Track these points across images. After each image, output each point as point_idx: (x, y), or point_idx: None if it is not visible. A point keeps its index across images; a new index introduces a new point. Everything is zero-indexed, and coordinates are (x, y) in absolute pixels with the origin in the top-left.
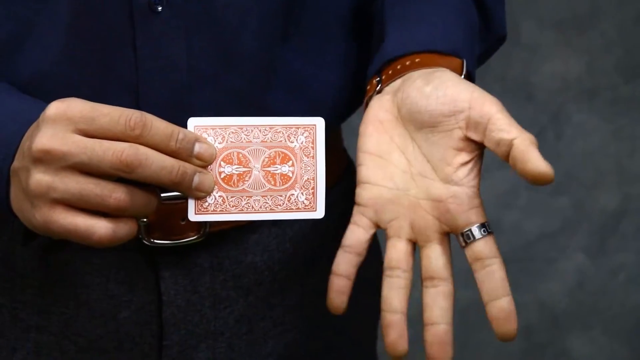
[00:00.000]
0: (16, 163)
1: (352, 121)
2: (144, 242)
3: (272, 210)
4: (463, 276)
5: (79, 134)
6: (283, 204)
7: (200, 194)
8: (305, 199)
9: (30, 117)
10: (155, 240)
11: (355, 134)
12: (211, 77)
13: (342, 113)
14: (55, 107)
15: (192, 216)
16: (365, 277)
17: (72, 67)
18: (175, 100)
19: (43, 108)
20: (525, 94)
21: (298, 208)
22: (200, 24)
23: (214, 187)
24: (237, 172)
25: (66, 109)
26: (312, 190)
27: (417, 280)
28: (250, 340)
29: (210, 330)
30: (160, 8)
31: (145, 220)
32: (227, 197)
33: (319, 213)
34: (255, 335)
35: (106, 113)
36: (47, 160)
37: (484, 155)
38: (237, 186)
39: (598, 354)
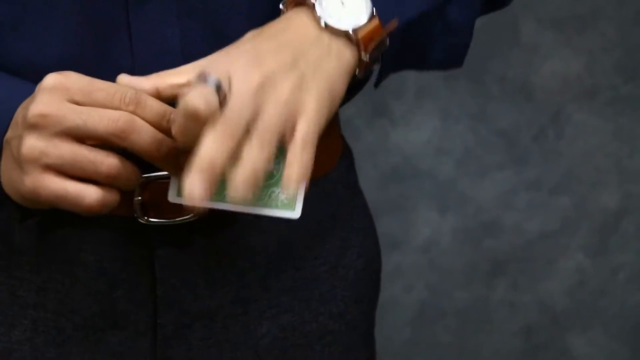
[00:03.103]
0: (9, 134)
1: (351, 120)
2: (139, 220)
3: (252, 204)
4: (463, 276)
5: (74, 104)
6: (263, 199)
7: (182, 174)
8: (285, 197)
9: (24, 97)
10: (150, 219)
11: (352, 128)
12: None
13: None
14: (53, 77)
15: (173, 197)
16: (368, 271)
17: (67, 52)
18: None
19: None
20: (525, 94)
21: (277, 205)
22: (192, 7)
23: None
24: None
25: (63, 80)
26: (294, 189)
27: (416, 281)
28: (245, 321)
29: (204, 310)
30: None
31: (140, 198)
32: None
33: (296, 213)
34: (250, 317)
35: (102, 88)
36: (42, 124)
37: (485, 155)
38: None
39: (598, 354)
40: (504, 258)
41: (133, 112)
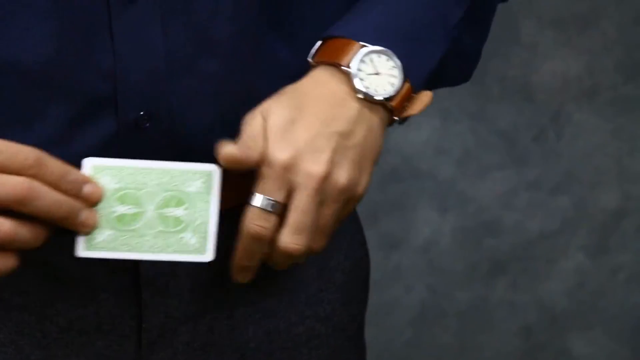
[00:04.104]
0: None
1: None
2: None
3: (162, 251)
4: (463, 276)
5: None
6: (174, 245)
7: (84, 230)
8: (196, 241)
9: None
10: None
11: None
12: (188, 63)
13: None
14: None
15: (80, 252)
16: (356, 273)
17: (46, 52)
18: (152, 86)
19: None
20: (525, 94)
21: (188, 250)
22: (176, 9)
23: (101, 224)
24: (130, 212)
25: None
26: (204, 234)
27: (416, 281)
28: (230, 325)
29: (190, 314)
30: None
31: None
32: (118, 235)
33: (208, 256)
34: (235, 320)
35: (2, 150)
36: None
37: (484, 155)
38: (129, 225)
39: (598, 354)
40: (504, 258)
41: (34, 176)
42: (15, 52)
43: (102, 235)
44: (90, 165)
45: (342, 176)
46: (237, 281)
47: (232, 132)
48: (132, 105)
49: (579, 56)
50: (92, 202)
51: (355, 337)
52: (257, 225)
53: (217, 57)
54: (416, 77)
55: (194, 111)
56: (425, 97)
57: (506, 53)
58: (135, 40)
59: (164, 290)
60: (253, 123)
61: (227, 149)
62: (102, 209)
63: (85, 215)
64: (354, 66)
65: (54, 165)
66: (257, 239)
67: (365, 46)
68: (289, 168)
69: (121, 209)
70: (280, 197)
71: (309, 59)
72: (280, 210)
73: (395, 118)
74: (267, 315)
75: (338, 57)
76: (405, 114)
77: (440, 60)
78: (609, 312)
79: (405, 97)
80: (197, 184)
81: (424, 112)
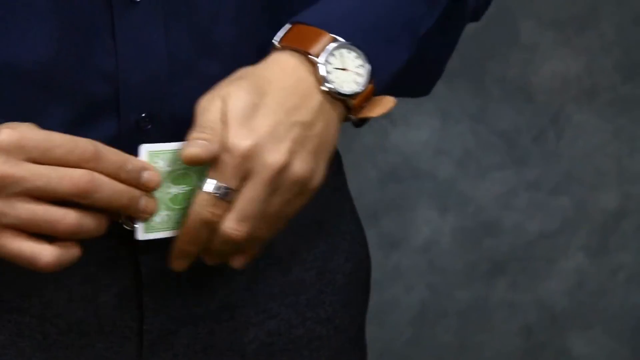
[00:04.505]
0: None
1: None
2: (125, 227)
3: None
4: (463, 276)
5: (32, 162)
6: None
7: (145, 216)
8: None
9: None
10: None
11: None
12: (190, 65)
13: None
14: (8, 135)
15: (140, 235)
16: (356, 275)
17: (47, 53)
18: (154, 88)
19: None
20: (525, 95)
21: None
22: (178, 11)
23: (160, 206)
24: (182, 191)
25: (20, 138)
26: None
27: (416, 281)
28: (231, 327)
29: (191, 316)
30: None
31: None
32: (172, 215)
33: None
34: (236, 322)
35: (60, 144)
36: (0, 186)
37: (484, 155)
38: (182, 204)
39: (598, 353)
40: (504, 258)
41: (93, 169)
42: (16, 52)
43: (159, 216)
44: (146, 151)
45: (299, 167)
46: (174, 268)
47: None
48: (133, 106)
49: (579, 56)
50: (151, 188)
51: (356, 338)
52: (208, 210)
53: (219, 59)
54: (380, 80)
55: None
56: (388, 103)
57: (506, 53)
58: (137, 41)
59: (166, 291)
60: (211, 108)
61: (190, 151)
62: (158, 191)
63: (145, 201)
64: (322, 58)
65: (112, 156)
66: (205, 224)
67: (336, 39)
68: (248, 157)
69: (175, 190)
70: (234, 184)
71: (274, 41)
72: (232, 197)
73: (351, 117)
74: (268, 317)
75: (307, 46)
76: (362, 114)
77: (404, 67)
78: (608, 312)
79: (366, 97)
80: None
81: (424, 112)
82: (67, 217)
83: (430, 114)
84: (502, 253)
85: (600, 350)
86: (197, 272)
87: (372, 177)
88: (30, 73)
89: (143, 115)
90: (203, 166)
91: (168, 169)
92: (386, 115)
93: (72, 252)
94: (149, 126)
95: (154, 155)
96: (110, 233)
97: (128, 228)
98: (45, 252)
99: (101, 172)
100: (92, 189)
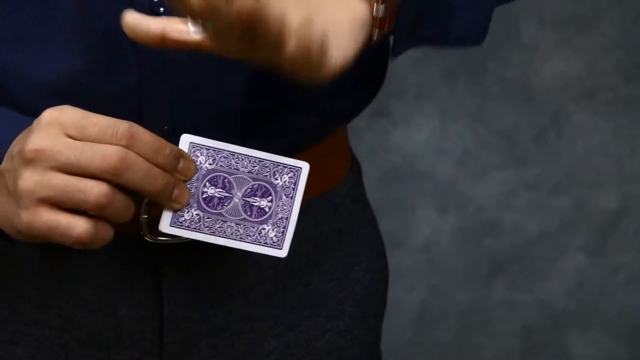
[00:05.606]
0: (4, 165)
1: (355, 123)
2: (146, 238)
3: (241, 239)
4: (463, 276)
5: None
6: (253, 235)
7: (176, 206)
8: (275, 235)
9: (21, 130)
10: (158, 237)
11: (352, 128)
12: (213, 78)
13: (349, 115)
14: (49, 113)
15: (165, 227)
16: (375, 286)
17: (70, 68)
18: (177, 101)
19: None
20: (526, 94)
21: (266, 243)
22: None
23: (192, 203)
24: (218, 195)
25: (59, 115)
26: (283, 229)
27: (416, 281)
28: (251, 339)
29: (210, 328)
30: (162, 9)
31: (147, 216)
32: (203, 216)
33: (284, 252)
34: (256, 334)
35: (95, 122)
36: (37, 159)
37: (484, 155)
38: (216, 209)
39: (598, 354)
40: (504, 258)
41: (126, 147)
42: (41, 66)
43: (189, 213)
44: (188, 141)
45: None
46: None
47: (257, 146)
48: (157, 120)
49: (579, 57)
50: (187, 178)
51: (373, 348)
52: None
53: (242, 73)
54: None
55: (218, 126)
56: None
57: (506, 53)
58: (161, 55)
59: (186, 304)
60: None
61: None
62: (192, 187)
63: (178, 191)
64: None
65: (148, 137)
66: None
67: None
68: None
69: (211, 191)
70: None
71: None
72: None
73: (374, 13)
74: (287, 329)
75: None
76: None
77: (446, 1)
78: (608, 312)
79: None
80: (285, 177)
81: (424, 112)
82: (98, 186)
83: (431, 114)
84: (502, 253)
85: (600, 350)
86: (218, 284)
87: (373, 177)
88: (55, 86)
89: (166, 127)
90: (247, 176)
91: (209, 166)
92: (386, 115)
93: (105, 229)
94: (173, 139)
95: (195, 148)
96: (130, 245)
97: (149, 240)
98: (80, 222)
99: (137, 153)
100: (123, 167)
